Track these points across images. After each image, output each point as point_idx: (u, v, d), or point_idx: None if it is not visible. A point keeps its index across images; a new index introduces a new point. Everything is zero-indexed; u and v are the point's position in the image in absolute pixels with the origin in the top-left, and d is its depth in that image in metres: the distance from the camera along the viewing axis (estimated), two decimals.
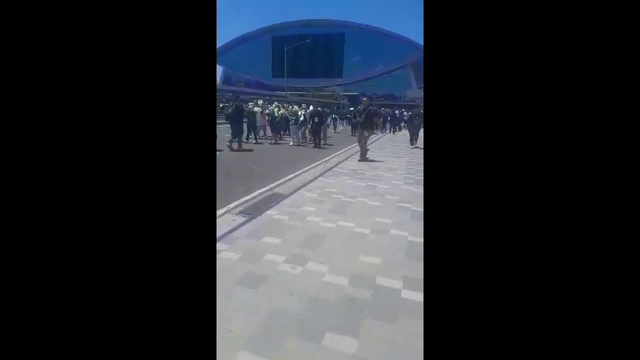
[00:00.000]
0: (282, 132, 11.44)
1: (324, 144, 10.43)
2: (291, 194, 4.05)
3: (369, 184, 4.75)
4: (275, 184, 4.63)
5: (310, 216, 3.26)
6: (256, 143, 10.25)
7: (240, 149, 8.39)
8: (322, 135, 10.45)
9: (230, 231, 2.80)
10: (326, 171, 5.57)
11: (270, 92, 38.80)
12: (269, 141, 10.80)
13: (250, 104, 11.41)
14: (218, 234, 2.72)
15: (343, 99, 49.00)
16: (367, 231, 2.91)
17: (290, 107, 12.66)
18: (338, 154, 7.99)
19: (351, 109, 20.06)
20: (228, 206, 3.50)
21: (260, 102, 12.33)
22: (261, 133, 11.35)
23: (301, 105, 13.50)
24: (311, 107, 11.33)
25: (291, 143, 10.29)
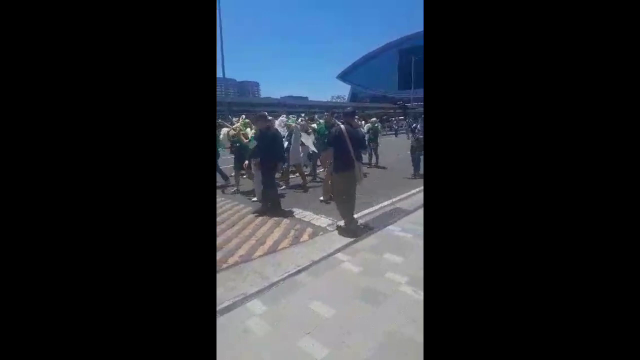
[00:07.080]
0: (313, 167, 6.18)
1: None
2: (415, 210, 3.80)
3: None
4: (397, 198, 4.47)
5: None
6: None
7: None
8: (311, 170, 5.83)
9: (351, 243, 2.84)
10: None
11: (395, 105, 38.32)
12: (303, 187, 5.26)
13: (283, 117, 6.03)
14: (340, 244, 2.81)
15: None
16: None
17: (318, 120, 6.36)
18: None
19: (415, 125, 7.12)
20: None
21: (283, 117, 6.11)
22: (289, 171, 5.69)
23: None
24: (296, 119, 6.04)
25: (321, 198, 4.51)
